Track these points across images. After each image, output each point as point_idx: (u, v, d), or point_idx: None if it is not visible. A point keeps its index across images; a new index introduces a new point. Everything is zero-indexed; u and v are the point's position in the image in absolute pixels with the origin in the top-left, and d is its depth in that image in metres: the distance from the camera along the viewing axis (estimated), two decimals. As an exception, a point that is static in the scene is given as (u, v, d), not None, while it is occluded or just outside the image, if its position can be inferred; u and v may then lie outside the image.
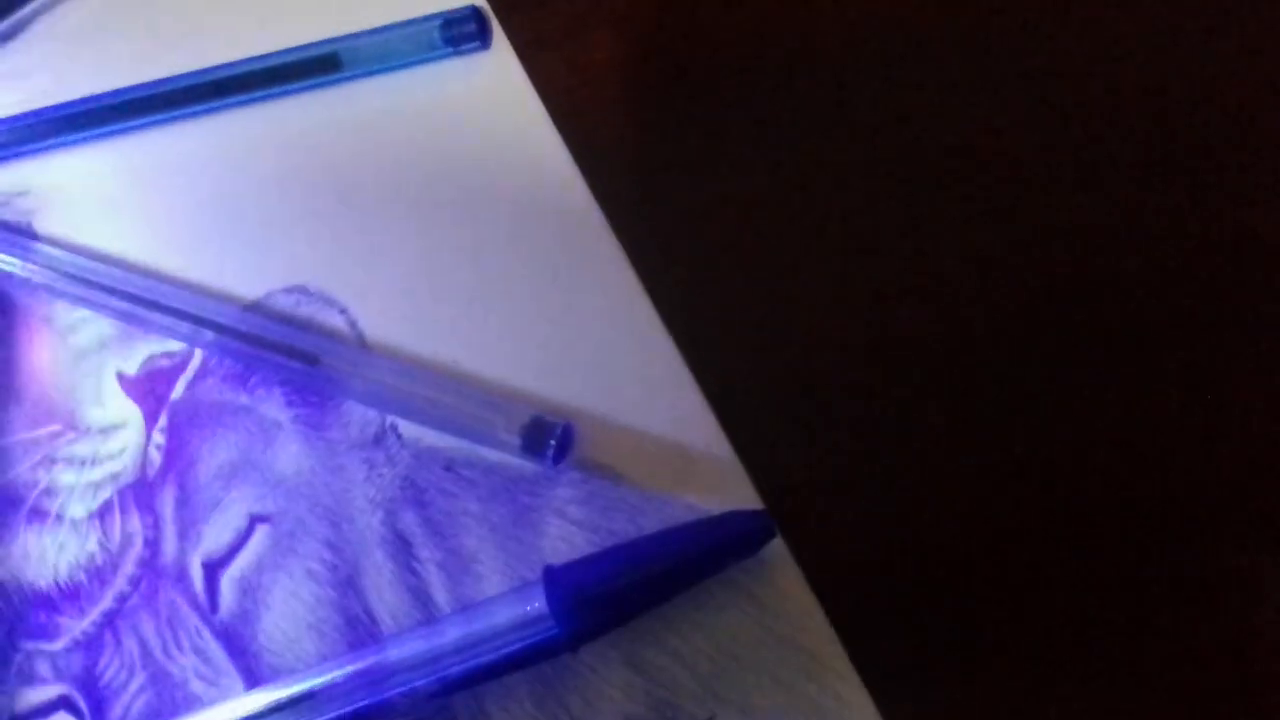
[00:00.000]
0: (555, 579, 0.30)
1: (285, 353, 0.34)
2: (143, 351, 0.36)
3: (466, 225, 0.35)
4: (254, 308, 0.35)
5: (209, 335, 0.35)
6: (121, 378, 0.36)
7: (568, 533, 0.32)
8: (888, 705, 0.29)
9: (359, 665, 0.31)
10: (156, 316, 0.35)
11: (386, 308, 0.35)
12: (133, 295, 0.36)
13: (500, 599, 0.31)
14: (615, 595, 0.29)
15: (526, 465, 0.32)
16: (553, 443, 0.31)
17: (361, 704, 0.31)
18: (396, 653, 0.31)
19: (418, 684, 0.31)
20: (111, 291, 0.36)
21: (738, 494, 0.31)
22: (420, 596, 0.32)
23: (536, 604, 0.30)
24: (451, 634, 0.30)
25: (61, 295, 0.37)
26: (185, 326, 0.35)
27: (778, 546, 0.30)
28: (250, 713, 0.31)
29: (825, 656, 0.30)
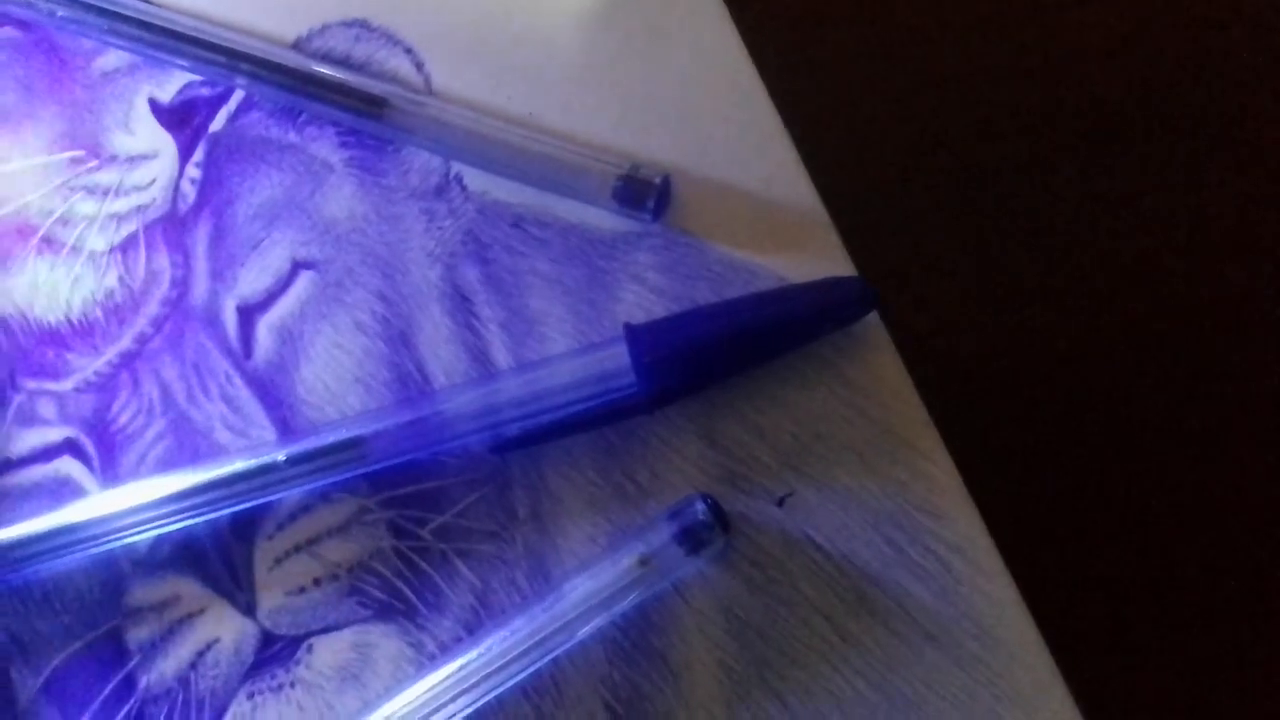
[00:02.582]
0: (638, 333, 0.29)
1: (347, 95, 0.32)
2: (180, 78, 0.34)
3: (559, -39, 0.33)
4: (306, 41, 0.33)
5: (260, 75, 0.33)
6: (155, 104, 0.34)
7: (645, 300, 0.31)
8: (979, 488, 0.29)
9: (412, 415, 0.30)
10: (192, 51, 0.33)
11: (458, 49, 0.33)
12: (164, 28, 0.33)
13: (573, 353, 0.30)
14: (703, 354, 0.29)
15: (603, 226, 0.31)
16: (652, 195, 0.29)
17: (411, 457, 0.30)
18: (455, 403, 0.29)
19: (476, 438, 0.30)
20: (138, 24, 0.34)
21: (833, 268, 0.30)
22: (479, 356, 0.31)
23: (617, 358, 0.29)
24: (517, 386, 0.29)
25: (82, 31, 0.34)
26: (227, 66, 0.33)
27: (872, 323, 0.30)
28: (290, 455, 0.29)
29: (916, 439, 0.29)
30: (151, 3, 0.34)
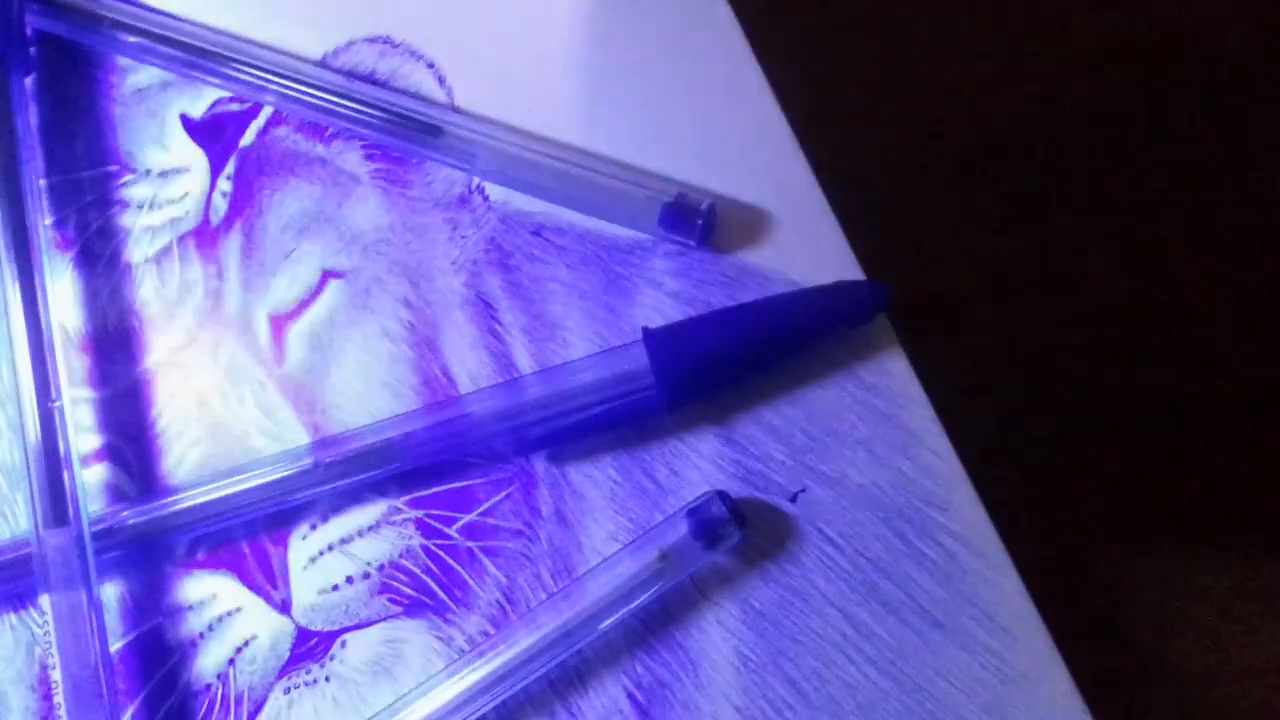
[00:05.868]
0: (657, 337, 0.32)
1: (404, 121, 0.34)
2: (211, 95, 0.37)
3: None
4: (333, 57, 0.36)
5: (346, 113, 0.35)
6: (186, 120, 0.37)
7: (661, 304, 0.34)
8: (983, 482, 0.32)
9: (439, 418, 0.33)
10: (225, 71, 0.36)
11: (479, 63, 0.36)
12: (207, 50, 0.36)
13: (593, 357, 0.33)
14: (720, 357, 0.31)
15: (620, 233, 0.34)
16: (699, 222, 0.32)
17: (439, 459, 0.33)
18: (481, 406, 0.32)
19: (501, 439, 0.33)
20: (187, 48, 0.36)
21: (842, 271, 0.33)
22: (502, 360, 0.34)
23: (636, 361, 0.32)
24: (540, 389, 0.32)
25: (121, 50, 0.37)
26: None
27: (881, 324, 0.33)
28: (322, 460, 0.33)
29: (923, 434, 0.32)
30: (186, 21, 0.37)
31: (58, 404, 0.33)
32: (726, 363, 0.32)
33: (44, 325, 0.33)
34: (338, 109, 0.35)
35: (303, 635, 0.33)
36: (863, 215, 0.34)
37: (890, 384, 0.32)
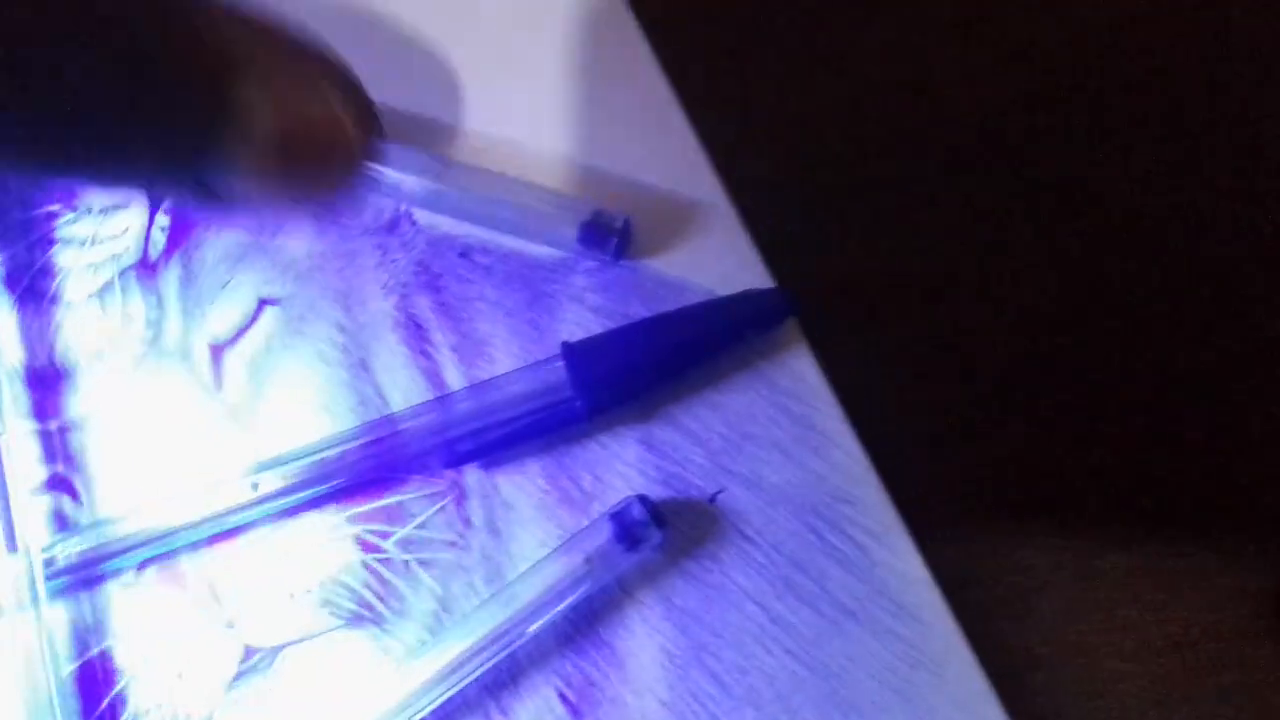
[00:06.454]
0: (575, 351, 0.33)
1: None
2: (147, 134, 0.38)
3: None
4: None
5: None
6: (124, 159, 0.38)
7: (584, 318, 0.35)
8: (891, 478, 0.33)
9: (373, 437, 0.34)
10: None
11: (403, 93, 0.38)
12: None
13: (517, 372, 0.34)
14: (636, 365, 0.33)
15: (543, 252, 0.36)
16: (614, 238, 0.34)
17: (374, 476, 0.34)
18: (412, 423, 0.34)
19: (433, 454, 0.34)
20: None
21: (753, 280, 0.35)
22: (433, 378, 0.36)
23: (557, 374, 0.33)
24: (466, 404, 0.34)
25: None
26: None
27: (791, 330, 0.34)
28: (261, 482, 0.34)
29: (833, 433, 0.33)
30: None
31: (3, 437, 0.34)
32: (643, 372, 0.33)
33: (-11, 361, 0.35)
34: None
35: (248, 652, 0.34)
36: (776, 227, 0.36)
37: (800, 386, 0.34)
